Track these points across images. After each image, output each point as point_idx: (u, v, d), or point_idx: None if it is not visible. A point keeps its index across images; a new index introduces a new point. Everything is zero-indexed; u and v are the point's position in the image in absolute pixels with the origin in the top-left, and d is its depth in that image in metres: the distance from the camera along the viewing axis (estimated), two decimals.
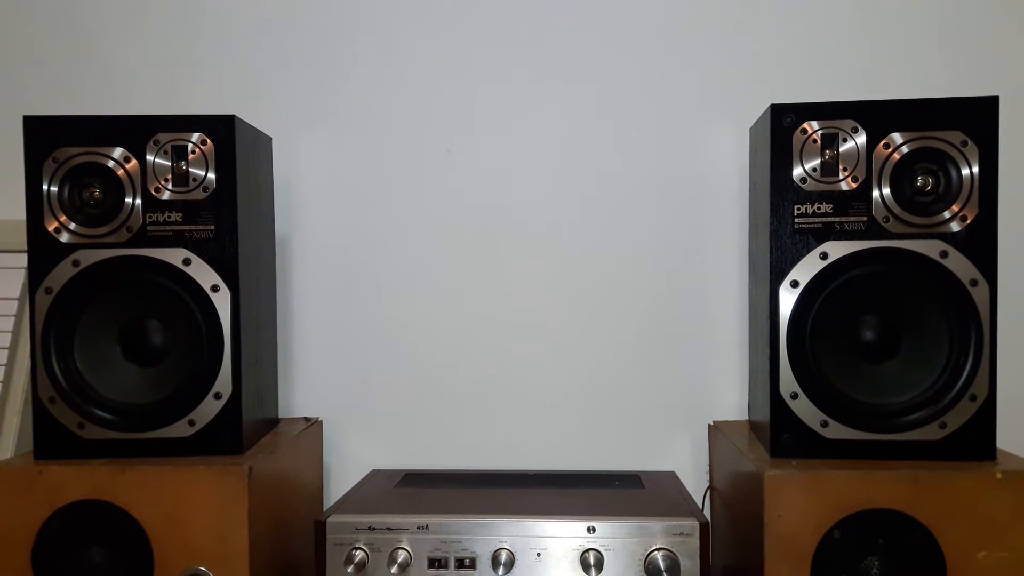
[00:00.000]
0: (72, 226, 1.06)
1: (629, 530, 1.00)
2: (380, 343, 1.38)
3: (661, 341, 1.35)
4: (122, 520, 1.00)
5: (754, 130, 1.16)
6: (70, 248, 1.05)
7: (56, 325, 1.05)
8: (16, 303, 1.25)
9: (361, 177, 1.38)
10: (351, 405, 1.38)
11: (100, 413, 1.06)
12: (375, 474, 1.30)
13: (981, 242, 0.99)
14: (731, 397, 1.33)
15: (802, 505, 0.96)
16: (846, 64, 1.32)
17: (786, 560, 0.96)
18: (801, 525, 0.96)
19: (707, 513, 1.24)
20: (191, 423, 1.06)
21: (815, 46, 1.32)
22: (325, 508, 1.21)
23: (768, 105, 1.04)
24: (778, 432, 1.03)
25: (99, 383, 1.07)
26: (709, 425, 1.32)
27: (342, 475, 1.35)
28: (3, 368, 1.23)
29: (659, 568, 0.98)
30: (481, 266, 1.38)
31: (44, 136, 1.05)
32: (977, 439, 0.99)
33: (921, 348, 1.02)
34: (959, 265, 0.99)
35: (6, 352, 1.24)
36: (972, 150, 0.99)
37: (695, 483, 1.30)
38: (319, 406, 1.37)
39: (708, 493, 1.30)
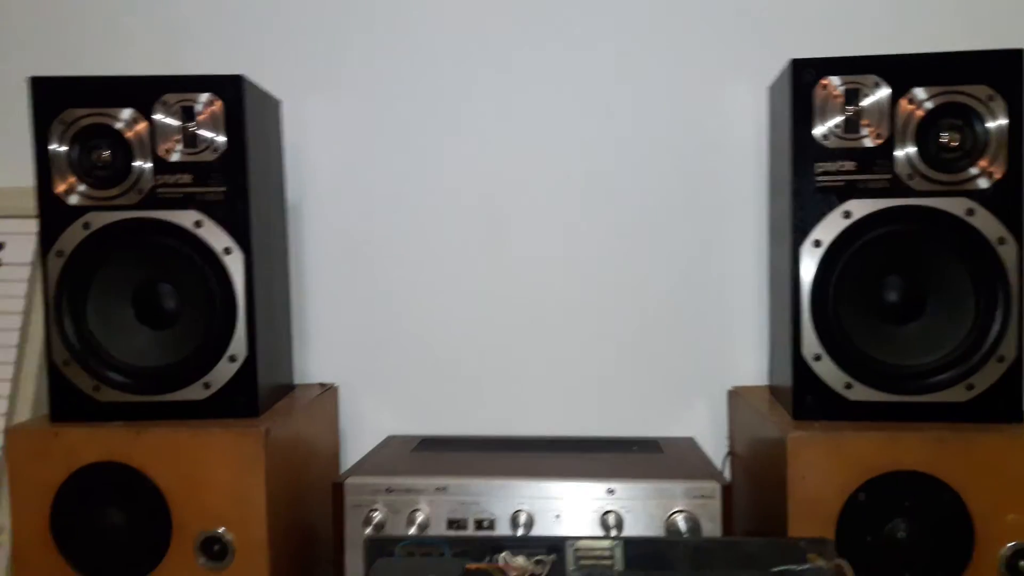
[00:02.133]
0: (81, 188, 1.04)
1: (649, 492, 0.99)
2: (395, 310, 1.37)
3: (679, 307, 1.33)
4: (139, 482, 1.00)
5: (773, 89, 1.14)
6: (80, 211, 1.04)
7: (68, 288, 1.04)
8: (29, 268, 1.25)
9: (372, 144, 1.36)
10: (366, 371, 1.37)
11: (114, 376, 1.05)
12: (391, 439, 1.30)
13: (1009, 199, 0.96)
14: (750, 363, 1.31)
15: (826, 468, 0.94)
16: (866, 20, 1.28)
17: (810, 523, 0.94)
18: (825, 488, 0.94)
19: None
20: (206, 386, 1.05)
21: (833, 2, 1.29)
22: (341, 472, 1.20)
23: (788, 61, 1.01)
24: (801, 394, 1.01)
25: (113, 346, 1.06)
26: (729, 390, 1.30)
27: (358, 441, 1.35)
28: (18, 332, 1.22)
29: (680, 530, 0.97)
30: (496, 234, 1.36)
31: (51, 97, 1.04)
32: (1004, 401, 0.97)
33: (947, 308, 0.99)
34: (986, 223, 0.97)
35: (20, 317, 1.23)
36: (999, 104, 0.96)
37: (714, 450, 1.28)
38: (334, 372, 1.37)
39: (728, 459, 1.28)
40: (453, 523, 1.01)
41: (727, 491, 0.98)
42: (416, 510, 1.01)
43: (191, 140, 1.04)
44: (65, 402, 1.05)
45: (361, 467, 1.11)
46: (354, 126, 1.36)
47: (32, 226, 1.10)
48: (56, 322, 1.04)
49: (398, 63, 1.35)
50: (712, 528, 0.98)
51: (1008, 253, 0.96)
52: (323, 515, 1.07)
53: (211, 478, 0.99)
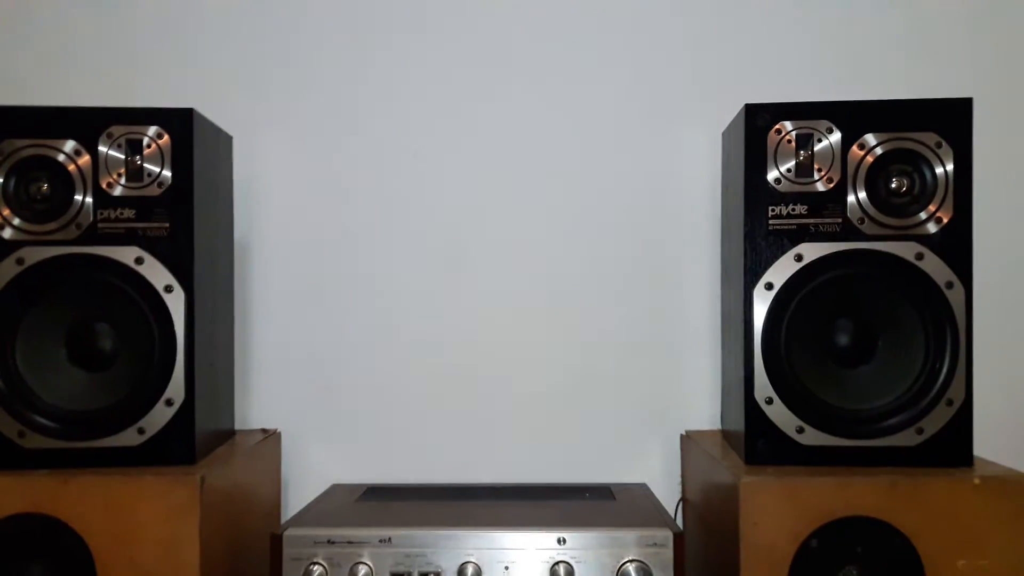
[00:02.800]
0: (16, 222, 1.01)
1: (601, 541, 0.97)
2: (342, 353, 1.34)
3: (632, 350, 1.33)
4: (64, 535, 0.94)
5: (727, 133, 1.15)
6: (14, 245, 1.00)
7: None
8: None
9: (324, 180, 1.34)
10: (310, 417, 1.33)
11: (42, 420, 1.00)
12: (335, 488, 1.25)
13: (956, 244, 0.98)
14: (702, 407, 1.31)
15: (778, 513, 0.93)
16: (819, 69, 1.31)
17: (763, 570, 0.93)
18: (778, 534, 0.93)
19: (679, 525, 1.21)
20: (140, 431, 1.01)
21: (785, 52, 1.32)
22: (283, 523, 1.15)
23: (742, 105, 1.03)
24: (753, 439, 1.00)
25: (42, 388, 1.01)
26: (681, 435, 1.29)
27: (301, 489, 1.30)
28: None
29: None
30: (447, 274, 1.34)
31: None
32: (954, 445, 0.98)
33: (897, 352, 1.00)
34: (935, 267, 0.98)
35: None
36: (947, 151, 0.98)
37: (666, 495, 1.27)
38: (277, 418, 1.32)
39: (680, 505, 1.27)
40: None
41: (679, 540, 0.97)
42: (359, 563, 0.97)
43: (136, 174, 1.02)
44: None
45: (302, 518, 1.07)
46: (307, 161, 1.35)
47: None
48: None
49: (353, 100, 1.34)
50: None
51: (956, 297, 0.97)
52: (261, 569, 1.02)
53: (142, 530, 0.95)
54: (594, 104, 1.34)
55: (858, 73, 1.31)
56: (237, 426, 1.26)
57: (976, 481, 0.93)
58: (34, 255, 1.00)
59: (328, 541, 0.98)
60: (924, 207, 0.98)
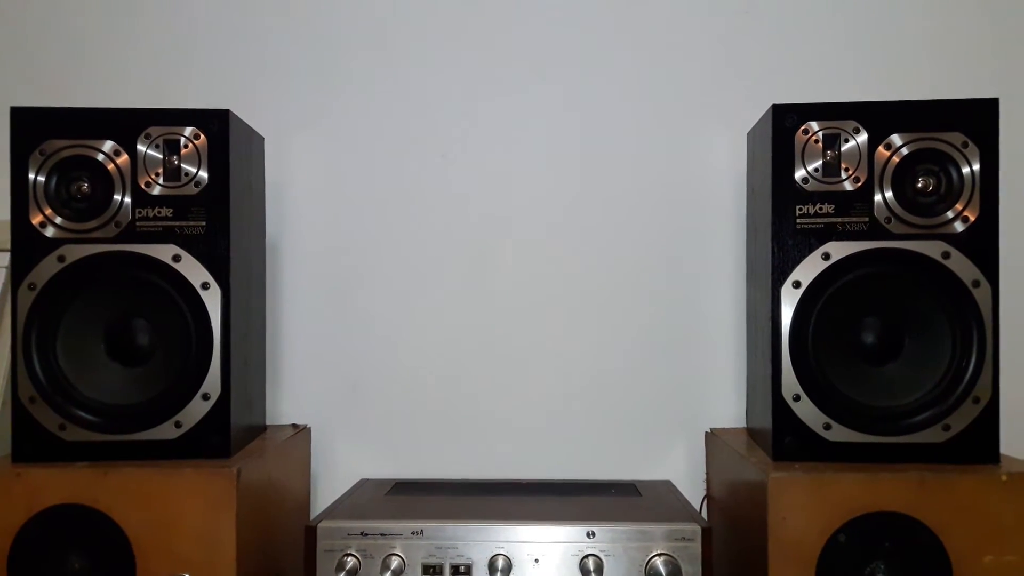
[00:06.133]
0: (58, 220, 1.03)
1: (629, 535, 0.98)
2: (371, 350, 1.35)
3: (656, 348, 1.34)
4: (103, 525, 0.96)
5: (753, 133, 1.16)
6: (55, 243, 1.02)
7: (38, 322, 1.02)
8: None
9: (353, 181, 1.36)
10: (340, 413, 1.35)
11: (82, 414, 1.02)
12: (365, 482, 1.27)
13: (983, 243, 0.99)
14: (726, 405, 1.31)
15: (806, 508, 0.94)
16: (843, 69, 1.32)
17: (790, 564, 0.94)
18: (805, 529, 0.94)
19: None
20: (177, 425, 1.03)
21: (810, 53, 1.33)
22: (313, 516, 1.17)
23: (769, 106, 1.04)
24: (780, 435, 1.01)
25: (82, 383, 1.03)
26: (706, 432, 1.30)
27: (330, 484, 1.32)
28: None
29: (660, 573, 0.96)
30: (474, 272, 1.36)
31: (32, 128, 1.03)
32: (981, 442, 0.98)
33: (924, 349, 1.01)
34: (961, 266, 0.99)
35: None
36: (973, 151, 0.99)
37: (690, 493, 1.27)
38: (307, 413, 1.34)
39: (705, 501, 1.28)
40: (429, 568, 0.98)
41: (707, 534, 0.98)
42: (391, 555, 0.99)
43: (173, 174, 1.04)
44: (29, 441, 1.01)
45: (334, 510, 1.09)
46: (336, 163, 1.36)
47: (3, 259, 1.07)
48: (23, 357, 1.01)
49: (383, 103, 1.36)
50: (692, 571, 0.97)
51: (983, 295, 0.98)
52: (294, 560, 1.04)
53: (179, 521, 0.96)
54: (618, 105, 1.35)
55: (884, 73, 1.31)
56: (268, 421, 1.28)
57: (1004, 478, 0.94)
58: (75, 253, 1.02)
59: (361, 533, 1.00)
60: (951, 206, 0.99)
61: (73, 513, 0.96)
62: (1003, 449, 1.00)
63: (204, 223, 1.04)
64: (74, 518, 0.96)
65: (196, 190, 1.04)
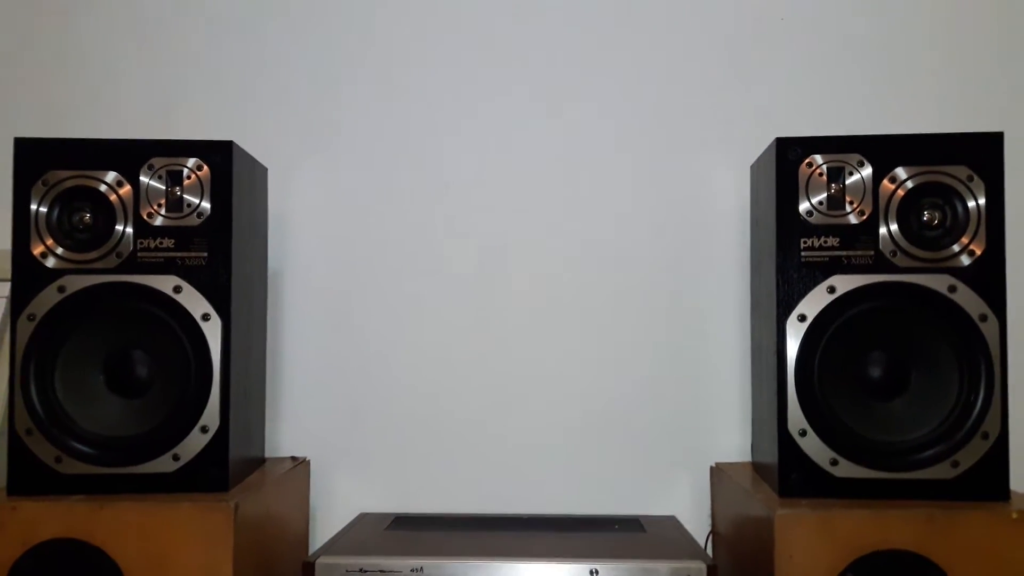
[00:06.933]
0: (59, 251, 1.02)
1: (634, 573, 0.96)
2: (370, 383, 1.34)
3: (660, 383, 1.33)
4: (98, 560, 0.95)
5: (756, 166, 1.16)
6: (56, 273, 1.02)
7: (37, 353, 1.01)
8: None
9: (356, 213, 1.36)
10: (339, 446, 1.34)
11: (79, 446, 1.01)
12: (364, 517, 1.25)
13: (989, 277, 0.98)
14: (732, 439, 1.30)
15: (814, 546, 0.93)
16: (848, 102, 1.32)
17: None
18: (813, 567, 0.92)
19: None
20: (175, 457, 1.01)
21: (815, 86, 1.33)
22: (311, 552, 1.15)
23: (773, 139, 1.04)
24: (786, 471, 1.00)
25: (80, 415, 1.02)
26: (711, 467, 1.28)
27: (329, 518, 1.30)
28: None
29: None
30: (476, 306, 1.35)
31: (35, 159, 1.03)
32: (990, 478, 0.97)
33: (931, 384, 1.00)
34: (968, 300, 0.98)
35: None
36: (978, 184, 0.99)
37: (695, 528, 1.26)
38: (306, 446, 1.33)
39: (710, 537, 1.26)
40: None
41: (713, 571, 0.96)
42: None
43: (176, 205, 1.03)
44: (24, 474, 1.00)
45: (333, 546, 1.07)
46: (339, 195, 1.36)
47: (4, 289, 1.07)
48: (21, 389, 1.00)
49: (386, 135, 1.36)
50: None
51: (990, 329, 0.97)
52: None
53: (176, 556, 0.95)
54: (621, 137, 1.35)
55: (889, 107, 1.32)
56: (267, 454, 1.27)
57: (1014, 515, 0.92)
58: (75, 283, 1.02)
59: (360, 570, 0.98)
60: (956, 240, 0.99)
61: (68, 548, 0.95)
62: (1013, 486, 0.98)
63: (206, 254, 1.03)
64: (69, 553, 0.95)
65: (198, 221, 1.04)
